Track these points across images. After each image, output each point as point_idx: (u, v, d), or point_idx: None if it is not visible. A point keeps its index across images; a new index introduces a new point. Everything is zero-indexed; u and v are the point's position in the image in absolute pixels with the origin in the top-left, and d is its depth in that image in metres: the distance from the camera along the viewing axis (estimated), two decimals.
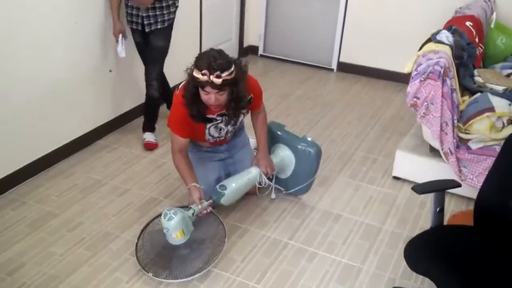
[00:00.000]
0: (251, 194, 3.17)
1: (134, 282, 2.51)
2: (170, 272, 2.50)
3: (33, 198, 3.08)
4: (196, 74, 2.44)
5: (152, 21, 3.40)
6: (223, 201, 2.75)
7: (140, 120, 3.87)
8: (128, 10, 3.42)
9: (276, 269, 2.63)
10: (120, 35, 3.43)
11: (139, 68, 3.74)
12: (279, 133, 3.13)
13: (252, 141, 3.26)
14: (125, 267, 2.60)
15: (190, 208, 2.60)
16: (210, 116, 2.70)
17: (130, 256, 2.66)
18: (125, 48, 3.49)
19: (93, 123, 3.68)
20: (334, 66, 5.47)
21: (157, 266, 2.53)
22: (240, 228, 2.92)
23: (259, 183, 2.92)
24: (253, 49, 5.80)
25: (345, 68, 5.42)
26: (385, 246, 2.81)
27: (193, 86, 2.52)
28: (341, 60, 5.42)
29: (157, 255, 2.58)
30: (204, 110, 2.63)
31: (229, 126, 2.83)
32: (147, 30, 3.43)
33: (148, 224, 2.74)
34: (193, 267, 2.50)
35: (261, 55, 5.76)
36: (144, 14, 3.37)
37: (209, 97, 2.49)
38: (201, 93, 2.52)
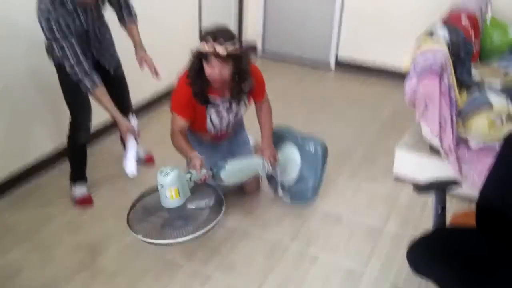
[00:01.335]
0: (252, 193, 3.16)
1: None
2: (161, 235, 2.36)
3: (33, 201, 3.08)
4: (202, 46, 2.48)
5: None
6: (223, 175, 2.65)
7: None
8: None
9: (277, 272, 2.62)
10: (129, 136, 2.74)
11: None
12: (284, 132, 3.13)
13: (252, 141, 3.26)
14: (129, 272, 2.59)
15: (189, 172, 2.50)
16: (212, 99, 2.71)
17: (130, 260, 2.65)
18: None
19: None
20: (332, 64, 5.47)
21: (148, 229, 2.39)
22: (240, 230, 2.91)
23: (265, 172, 2.90)
24: (251, 49, 5.78)
25: (343, 66, 5.42)
26: (387, 248, 2.81)
27: (197, 62, 2.56)
28: (339, 58, 5.42)
29: (149, 220, 2.44)
30: (207, 89, 2.66)
31: (230, 115, 2.82)
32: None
33: (142, 196, 2.58)
34: (186, 231, 2.35)
35: (260, 55, 5.76)
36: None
37: (214, 70, 2.52)
38: (206, 67, 2.54)
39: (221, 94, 2.73)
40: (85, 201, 3.08)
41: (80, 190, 3.10)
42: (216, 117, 2.79)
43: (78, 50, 2.59)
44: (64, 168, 3.24)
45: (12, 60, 3.00)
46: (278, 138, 3.07)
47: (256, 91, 2.85)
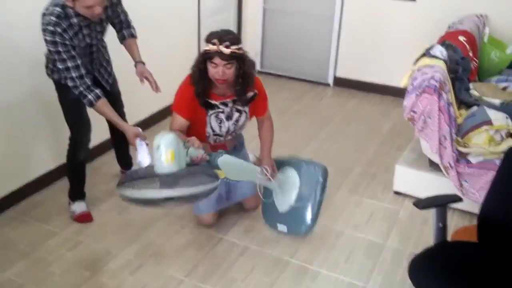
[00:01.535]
0: (252, 210, 3.16)
1: None
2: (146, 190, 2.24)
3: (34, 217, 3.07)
4: (206, 46, 2.54)
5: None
6: (220, 162, 2.55)
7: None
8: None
9: None
10: (138, 140, 2.66)
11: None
12: (285, 158, 3.11)
13: (253, 158, 3.27)
14: (125, 286, 2.58)
15: (187, 146, 2.44)
16: (213, 102, 2.72)
17: (129, 275, 2.64)
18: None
19: None
20: (330, 81, 5.50)
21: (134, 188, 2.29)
22: (240, 246, 2.90)
23: (263, 180, 2.85)
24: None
25: (341, 83, 5.45)
26: (388, 264, 2.80)
27: (201, 62, 2.61)
28: (337, 75, 5.45)
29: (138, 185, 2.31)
30: (210, 90, 2.69)
31: (229, 122, 2.82)
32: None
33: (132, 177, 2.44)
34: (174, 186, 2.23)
35: (258, 71, 5.78)
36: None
37: (217, 70, 2.56)
38: (209, 67, 2.58)
39: (223, 98, 2.74)
40: (85, 218, 3.07)
41: (79, 207, 3.09)
42: (216, 122, 2.80)
43: (80, 64, 2.61)
44: (64, 185, 3.24)
45: (14, 79, 3.02)
46: (279, 163, 3.03)
47: (258, 104, 2.87)
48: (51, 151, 3.38)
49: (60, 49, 2.54)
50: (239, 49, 2.57)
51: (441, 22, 4.51)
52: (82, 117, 2.93)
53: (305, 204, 2.89)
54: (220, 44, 2.50)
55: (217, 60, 2.53)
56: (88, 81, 2.65)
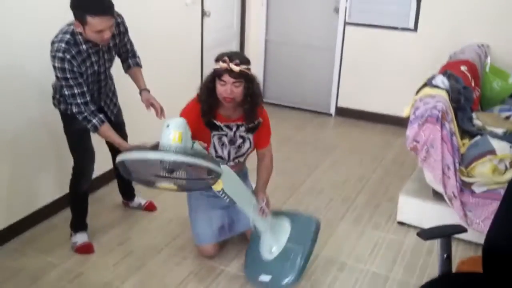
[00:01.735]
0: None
1: None
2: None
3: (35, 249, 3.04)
4: (216, 65, 2.57)
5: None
6: (222, 167, 2.41)
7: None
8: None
9: None
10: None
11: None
12: (279, 209, 3.06)
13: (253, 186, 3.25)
14: None
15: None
16: (217, 123, 2.72)
17: None
18: None
19: None
20: (332, 111, 5.52)
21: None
22: (241, 278, 2.86)
23: (255, 213, 2.75)
24: None
25: (343, 112, 5.47)
26: None
27: (210, 80, 2.63)
28: (339, 105, 5.48)
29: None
30: (216, 110, 2.70)
31: (232, 147, 2.82)
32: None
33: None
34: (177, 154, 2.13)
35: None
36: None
37: (225, 88, 2.58)
38: (218, 86, 2.60)
39: (228, 120, 2.74)
40: (86, 249, 3.04)
41: (81, 238, 3.07)
42: (219, 144, 2.79)
43: (86, 91, 2.65)
44: (66, 216, 3.22)
45: (21, 109, 3.04)
46: (272, 213, 2.93)
47: (262, 133, 2.87)
48: (53, 182, 3.37)
49: (68, 75, 2.57)
50: (248, 69, 2.61)
51: (442, 52, 4.55)
52: (86, 147, 2.96)
53: (293, 254, 2.75)
54: (230, 61, 2.54)
55: (226, 77, 2.56)
56: (92, 107, 2.68)
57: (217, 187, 2.45)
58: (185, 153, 2.11)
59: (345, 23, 5.18)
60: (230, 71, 2.55)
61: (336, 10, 5.20)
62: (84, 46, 2.62)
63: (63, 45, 2.54)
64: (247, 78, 2.62)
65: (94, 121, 2.68)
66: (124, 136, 3.17)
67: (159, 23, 4.12)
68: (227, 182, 2.48)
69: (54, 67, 2.58)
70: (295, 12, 5.46)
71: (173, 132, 2.18)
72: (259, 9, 5.58)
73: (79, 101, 2.63)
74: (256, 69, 5.71)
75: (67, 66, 2.55)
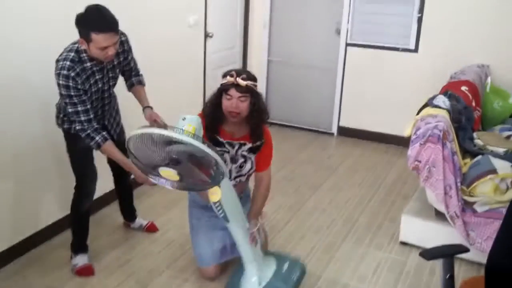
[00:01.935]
0: None
1: None
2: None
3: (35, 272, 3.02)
4: (223, 80, 2.61)
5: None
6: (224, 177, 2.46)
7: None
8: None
9: None
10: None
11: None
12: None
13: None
14: None
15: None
16: (220, 139, 2.73)
17: None
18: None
19: None
20: (334, 130, 5.54)
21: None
22: None
23: (247, 234, 2.70)
24: None
25: (345, 132, 5.49)
26: None
27: (217, 95, 2.66)
28: (341, 124, 5.50)
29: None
30: (219, 126, 2.72)
31: (233, 165, 2.81)
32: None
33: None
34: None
35: None
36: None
37: (231, 102, 2.60)
38: (224, 101, 2.62)
39: (231, 138, 2.75)
40: (86, 271, 3.01)
41: (81, 260, 3.04)
42: None
43: (90, 109, 2.67)
44: (66, 237, 3.21)
45: (25, 128, 3.05)
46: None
47: (263, 154, 2.85)
48: (55, 203, 3.36)
49: (72, 93, 2.59)
50: (254, 85, 2.64)
51: (443, 73, 4.59)
52: (89, 167, 2.97)
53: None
54: (237, 76, 2.58)
55: (232, 91, 2.59)
56: (95, 124, 2.70)
57: (214, 197, 2.44)
58: (195, 138, 2.15)
59: (347, 44, 5.23)
60: (236, 85, 2.58)
61: (338, 31, 5.25)
62: (88, 64, 2.65)
63: (67, 62, 2.57)
64: (253, 94, 2.64)
65: (97, 138, 2.69)
66: (126, 155, 3.17)
67: (163, 44, 4.16)
68: (226, 195, 2.47)
69: (58, 84, 2.60)
70: (297, 33, 5.52)
71: (187, 125, 2.23)
72: (261, 30, 5.64)
73: (82, 118, 2.65)
74: (259, 89, 5.74)
75: (71, 83, 2.58)
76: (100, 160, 3.03)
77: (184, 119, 2.28)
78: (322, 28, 5.37)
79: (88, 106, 2.67)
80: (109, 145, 2.74)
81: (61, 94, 2.65)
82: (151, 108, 3.05)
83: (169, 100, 4.25)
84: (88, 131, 2.68)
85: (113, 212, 3.64)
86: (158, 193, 3.98)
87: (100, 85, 2.77)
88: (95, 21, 2.51)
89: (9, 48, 2.86)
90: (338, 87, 5.38)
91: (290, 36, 5.57)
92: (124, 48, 2.88)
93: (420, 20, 4.82)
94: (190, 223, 3.03)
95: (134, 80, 3.07)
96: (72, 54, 2.60)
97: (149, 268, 3.08)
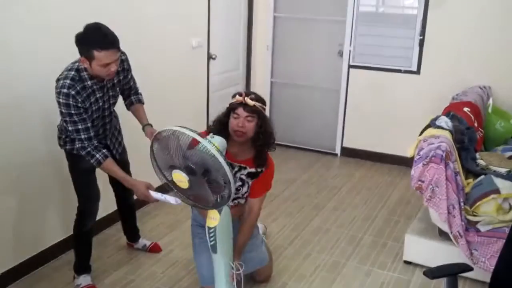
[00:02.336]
0: (262, 281, 3.10)
1: None
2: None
3: None
4: (232, 99, 2.65)
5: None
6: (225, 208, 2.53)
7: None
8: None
9: None
10: (153, 192, 2.69)
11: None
12: None
13: (262, 229, 3.23)
14: None
15: None
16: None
17: None
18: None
19: None
20: (337, 151, 5.57)
21: None
22: None
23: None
24: None
25: (348, 152, 5.52)
26: None
27: (225, 115, 2.70)
28: (344, 145, 5.53)
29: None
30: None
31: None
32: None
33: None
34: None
35: None
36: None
37: (238, 121, 2.63)
38: (231, 119, 2.66)
39: (233, 160, 2.74)
40: None
41: (84, 280, 3.03)
42: None
43: (90, 127, 2.68)
44: (69, 258, 3.21)
45: (28, 148, 3.06)
46: None
47: (260, 181, 2.84)
48: (58, 223, 3.36)
49: (72, 111, 2.60)
50: (262, 107, 2.68)
51: (445, 94, 4.64)
52: (92, 188, 2.97)
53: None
54: (246, 96, 2.63)
55: (240, 111, 2.63)
56: (95, 142, 2.71)
57: (212, 222, 2.47)
58: (220, 152, 2.25)
59: (349, 66, 5.29)
60: (244, 105, 2.62)
61: (340, 54, 5.32)
62: (89, 82, 2.66)
63: (68, 81, 2.59)
64: (260, 115, 2.68)
65: (97, 156, 2.70)
66: (128, 174, 3.15)
67: (166, 65, 4.20)
68: (222, 224, 2.49)
69: (58, 102, 2.61)
70: (300, 55, 5.59)
71: (213, 145, 2.29)
72: (264, 52, 5.71)
73: (83, 136, 2.66)
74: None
75: (71, 101, 2.59)
76: (102, 181, 3.05)
77: (213, 137, 2.36)
78: (324, 50, 5.44)
79: (89, 125, 2.68)
80: (110, 163, 2.75)
81: (61, 113, 2.65)
82: (151, 125, 3.07)
83: (172, 121, 4.19)
84: (89, 149, 2.69)
85: (116, 232, 3.65)
86: (162, 213, 4.01)
87: (100, 103, 2.78)
88: (96, 38, 2.53)
89: (8, 67, 2.88)
90: (341, 108, 5.43)
91: (293, 58, 5.64)
92: (124, 67, 2.89)
93: (422, 43, 4.88)
94: (193, 242, 3.01)
95: (133, 98, 3.08)
96: (73, 73, 2.62)
97: None
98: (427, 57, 4.91)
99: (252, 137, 2.71)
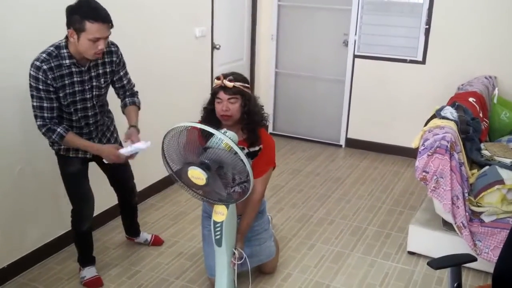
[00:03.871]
0: (268, 273, 3.11)
1: None
2: None
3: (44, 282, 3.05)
4: (214, 83, 2.65)
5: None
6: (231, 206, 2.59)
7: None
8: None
9: None
10: (121, 149, 2.71)
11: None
12: None
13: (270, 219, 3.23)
14: None
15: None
16: None
17: None
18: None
19: None
20: (342, 142, 5.57)
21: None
22: None
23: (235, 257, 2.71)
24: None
25: (353, 144, 5.51)
26: None
27: (211, 102, 2.69)
28: (348, 136, 5.52)
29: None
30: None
31: None
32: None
33: None
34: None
35: (271, 133, 5.87)
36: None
37: (222, 105, 2.62)
38: (216, 104, 2.65)
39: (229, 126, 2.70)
40: (95, 283, 2.98)
41: (89, 272, 3.02)
42: None
43: (55, 109, 2.58)
44: (73, 249, 3.19)
45: (27, 142, 3.01)
46: None
47: (260, 160, 2.77)
48: (63, 216, 3.26)
49: (40, 86, 2.50)
50: (244, 86, 2.65)
51: (450, 84, 4.62)
52: (82, 190, 2.89)
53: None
54: (224, 78, 2.61)
55: (221, 94, 2.62)
56: (56, 120, 2.60)
57: (219, 217, 2.50)
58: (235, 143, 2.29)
59: (354, 56, 5.27)
60: (224, 88, 2.60)
61: (345, 43, 5.30)
62: (67, 61, 2.55)
63: (44, 55, 2.50)
64: (243, 95, 2.64)
65: (58, 129, 2.57)
66: (129, 176, 3.14)
67: (169, 55, 4.18)
68: (229, 220, 2.52)
69: (29, 74, 2.50)
70: (305, 45, 5.57)
71: (223, 144, 2.32)
72: (268, 42, 5.70)
73: (45, 114, 2.55)
74: (267, 101, 5.79)
75: (41, 75, 2.48)
76: (102, 176, 3.03)
77: (225, 132, 2.37)
78: (329, 40, 5.42)
79: (55, 105, 2.56)
80: (72, 135, 2.64)
81: (30, 86, 2.53)
82: (136, 128, 2.88)
83: (176, 112, 4.28)
84: (49, 125, 2.56)
85: (120, 225, 3.64)
86: (166, 205, 4.02)
87: (77, 89, 2.63)
88: (90, 10, 2.47)
89: (14, 62, 2.83)
90: (346, 98, 5.42)
91: (298, 48, 5.62)
92: (113, 59, 2.78)
93: (427, 32, 4.86)
94: (203, 234, 3.02)
95: (127, 100, 2.94)
96: (52, 48, 2.54)
97: (158, 279, 3.09)
98: (432, 46, 4.88)
99: (239, 118, 2.69)
